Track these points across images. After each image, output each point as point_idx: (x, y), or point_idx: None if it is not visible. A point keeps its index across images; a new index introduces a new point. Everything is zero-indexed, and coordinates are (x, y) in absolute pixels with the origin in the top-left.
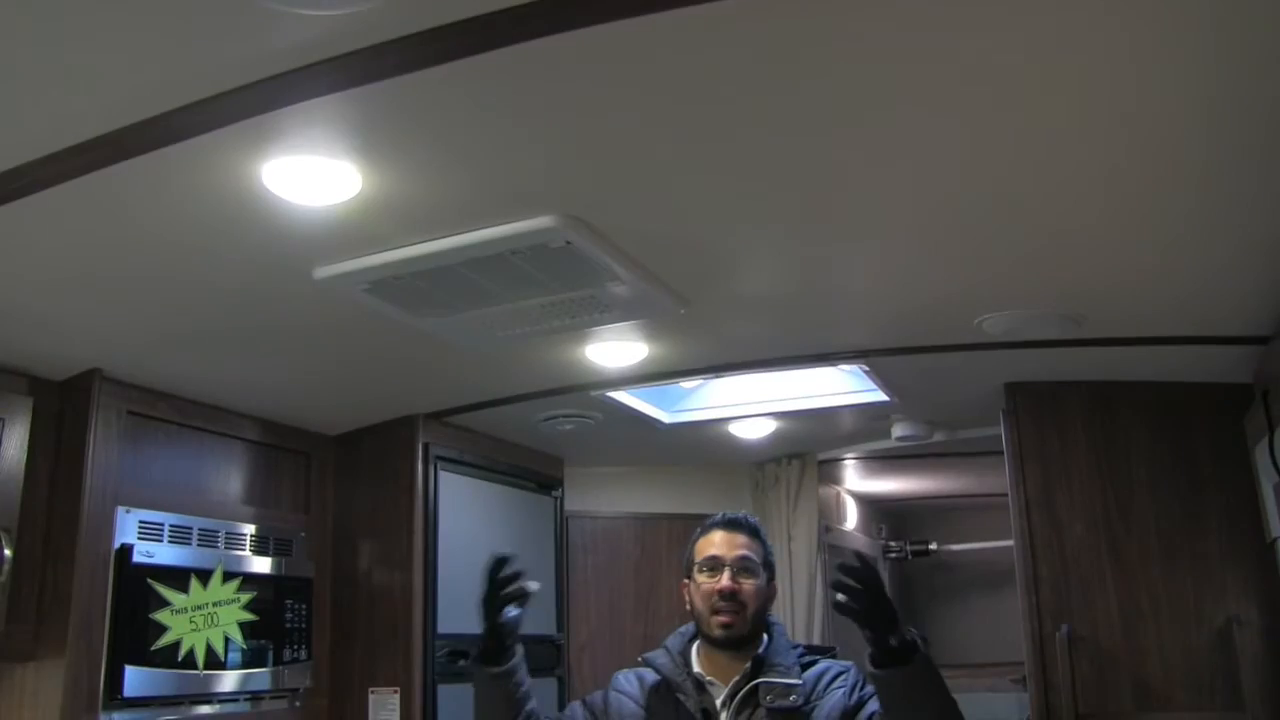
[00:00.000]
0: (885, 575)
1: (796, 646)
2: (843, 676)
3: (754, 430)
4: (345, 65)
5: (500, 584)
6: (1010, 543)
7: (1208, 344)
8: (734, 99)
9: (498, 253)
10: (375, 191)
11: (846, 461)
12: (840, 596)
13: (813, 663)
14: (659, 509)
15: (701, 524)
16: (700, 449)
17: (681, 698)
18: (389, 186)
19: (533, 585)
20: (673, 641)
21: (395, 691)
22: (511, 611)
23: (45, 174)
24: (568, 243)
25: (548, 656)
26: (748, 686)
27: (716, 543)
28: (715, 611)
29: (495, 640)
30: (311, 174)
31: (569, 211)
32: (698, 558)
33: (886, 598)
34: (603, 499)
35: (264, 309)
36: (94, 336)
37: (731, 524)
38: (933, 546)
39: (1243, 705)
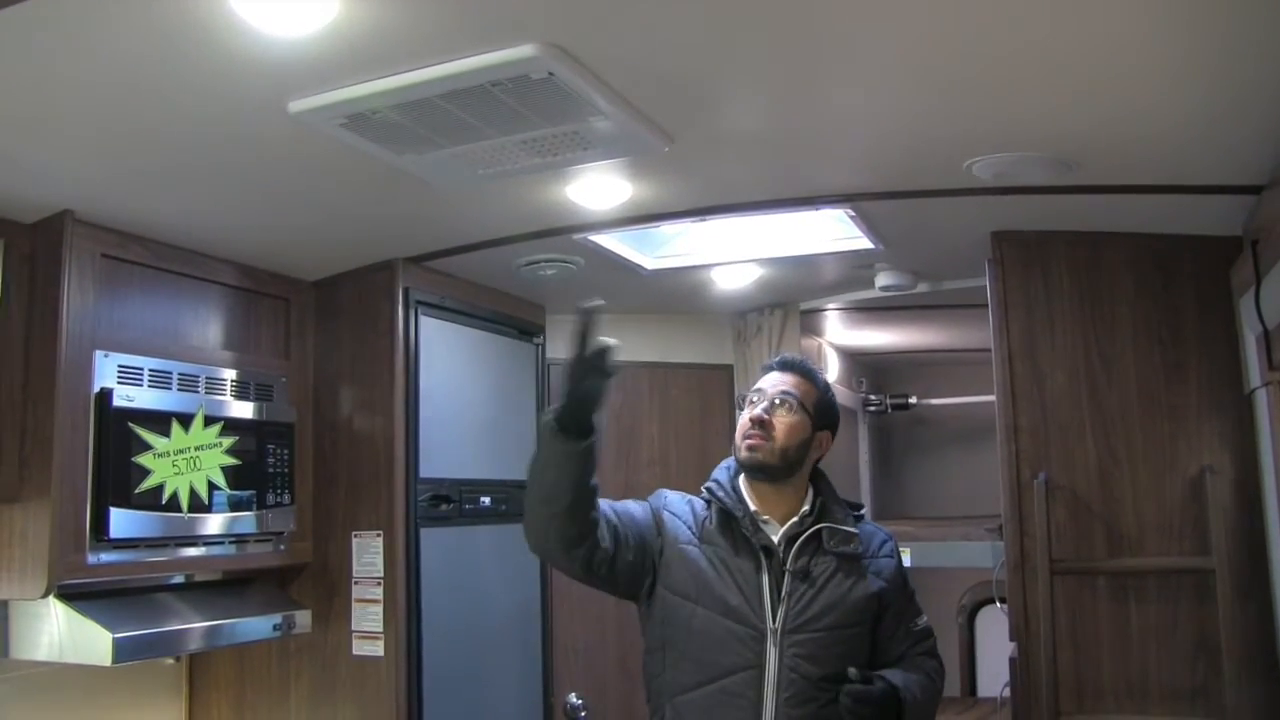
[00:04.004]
0: (864, 429)
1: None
2: (889, 544)
3: (737, 278)
4: None
5: (594, 347)
6: (989, 398)
7: (1199, 193)
8: None
9: (478, 84)
10: (352, 16)
11: (829, 313)
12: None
13: (859, 518)
14: (640, 357)
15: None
16: (683, 297)
17: (746, 533)
18: (367, 11)
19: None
20: (721, 474)
21: (379, 534)
22: (601, 381)
23: None
24: (550, 74)
25: None
26: (813, 528)
27: (766, 380)
28: (745, 436)
29: (581, 410)
30: None
31: (552, 40)
32: (749, 394)
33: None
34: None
35: (237, 146)
36: (63, 176)
37: (785, 365)
38: (912, 400)
39: (1209, 550)
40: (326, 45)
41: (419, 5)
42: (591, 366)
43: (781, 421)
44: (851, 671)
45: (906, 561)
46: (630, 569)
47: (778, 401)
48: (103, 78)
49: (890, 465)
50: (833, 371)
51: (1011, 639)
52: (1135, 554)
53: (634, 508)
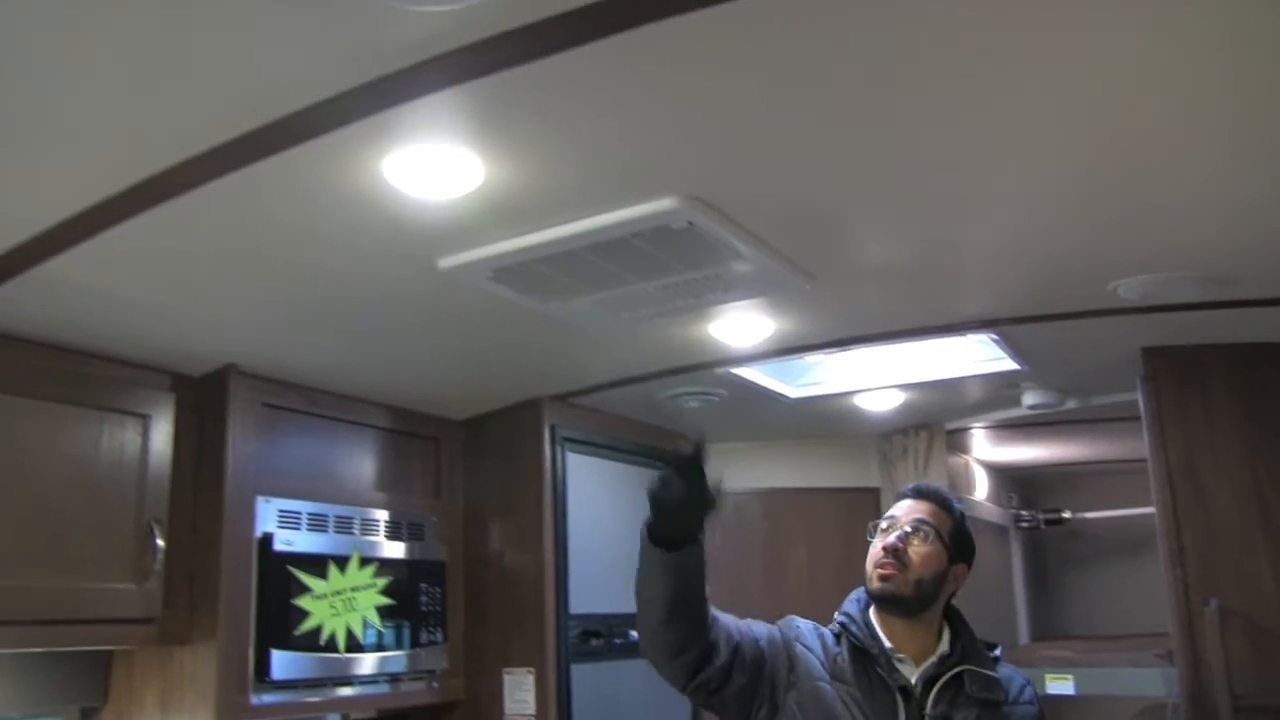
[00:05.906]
0: (1017, 546)
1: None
2: (1028, 690)
3: (881, 402)
4: (459, 60)
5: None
6: (1148, 510)
7: None
8: (855, 72)
9: (620, 236)
10: (497, 181)
11: (975, 430)
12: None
13: (997, 660)
14: (786, 483)
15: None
16: (826, 422)
17: (883, 673)
18: (511, 176)
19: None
20: (852, 607)
21: (530, 672)
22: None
23: (186, 177)
24: (690, 224)
25: None
26: (953, 671)
27: (899, 507)
28: (877, 565)
29: (675, 526)
30: (434, 167)
31: (690, 192)
32: (880, 521)
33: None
34: (729, 474)
35: (390, 300)
36: (230, 332)
37: (919, 492)
38: (1066, 515)
39: None
40: (474, 207)
41: (561, 167)
42: (696, 499)
43: (917, 551)
44: None
45: (1069, 690)
46: (741, 693)
47: (910, 529)
48: (266, 241)
49: (1046, 583)
50: (981, 488)
51: None
52: None
53: (759, 630)
